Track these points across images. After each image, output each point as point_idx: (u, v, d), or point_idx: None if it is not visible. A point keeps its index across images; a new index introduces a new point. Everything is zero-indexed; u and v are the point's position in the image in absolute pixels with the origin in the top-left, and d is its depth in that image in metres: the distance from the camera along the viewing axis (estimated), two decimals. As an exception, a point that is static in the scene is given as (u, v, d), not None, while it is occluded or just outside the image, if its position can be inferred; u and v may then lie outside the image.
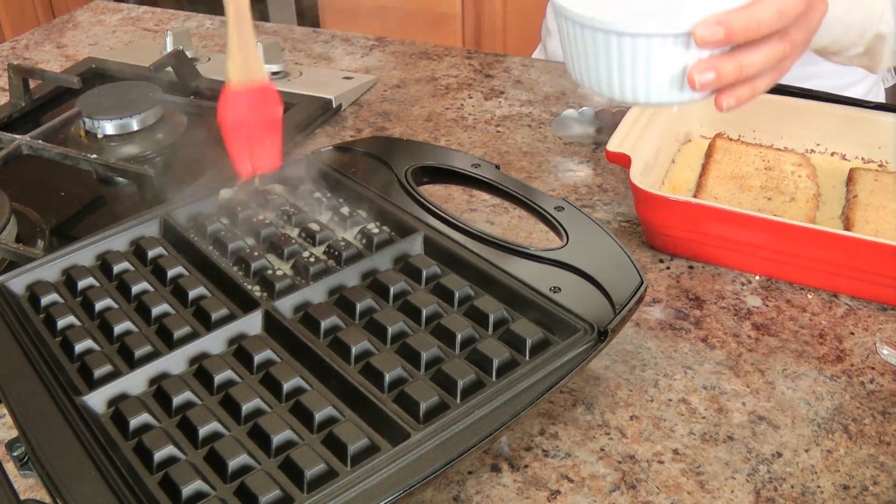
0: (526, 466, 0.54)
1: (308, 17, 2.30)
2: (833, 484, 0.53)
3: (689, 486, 0.53)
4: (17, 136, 0.81)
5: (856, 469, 0.53)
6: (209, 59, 1.06)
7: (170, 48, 1.01)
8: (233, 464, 0.47)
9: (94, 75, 1.04)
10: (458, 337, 0.54)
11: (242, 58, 0.62)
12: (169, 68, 0.97)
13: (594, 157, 0.85)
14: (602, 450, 0.55)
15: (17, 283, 0.62)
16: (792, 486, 0.52)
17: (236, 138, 0.62)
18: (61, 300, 0.60)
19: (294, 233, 0.66)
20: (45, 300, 0.60)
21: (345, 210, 0.67)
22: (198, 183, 0.78)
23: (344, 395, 0.51)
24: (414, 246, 0.63)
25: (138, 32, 1.19)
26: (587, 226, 0.63)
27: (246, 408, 0.50)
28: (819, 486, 0.52)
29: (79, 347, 0.56)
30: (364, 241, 0.64)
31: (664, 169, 0.80)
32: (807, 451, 0.55)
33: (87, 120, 0.88)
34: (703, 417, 0.57)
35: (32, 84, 0.98)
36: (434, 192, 0.72)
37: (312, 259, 0.61)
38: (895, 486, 0.52)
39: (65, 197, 0.83)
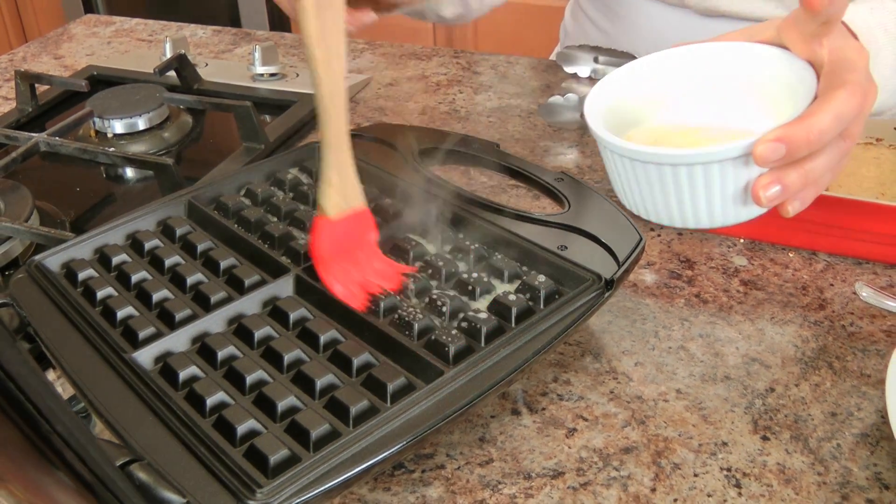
0: (543, 409, 0.59)
1: (279, 29, 2.35)
2: (822, 412, 0.58)
3: (693, 419, 0.58)
4: (34, 134, 0.85)
5: (841, 398, 0.59)
6: (206, 65, 1.10)
7: (169, 54, 1.05)
8: (282, 405, 0.51)
9: (96, 82, 1.08)
10: (478, 290, 0.59)
11: (341, 183, 0.57)
12: (171, 72, 1.01)
13: (582, 142, 0.90)
14: (612, 392, 0.60)
15: (53, 261, 0.65)
16: (786, 416, 0.58)
17: (336, 272, 0.58)
18: (97, 275, 0.64)
19: (313, 209, 0.70)
20: (82, 275, 0.64)
21: (359, 188, 0.71)
22: (213, 172, 0.82)
23: (377, 345, 0.55)
24: (428, 216, 0.67)
25: (133, 43, 1.23)
26: (586, 193, 0.68)
27: (288, 358, 0.54)
28: (810, 415, 0.58)
29: (120, 314, 0.59)
30: (380, 213, 0.68)
31: (649, 150, 0.85)
32: (797, 385, 0.60)
33: (96, 120, 0.91)
34: (701, 361, 0.62)
35: (38, 90, 1.02)
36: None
37: (334, 230, 0.66)
38: (877, 411, 0.58)
39: (80, 193, 0.87)
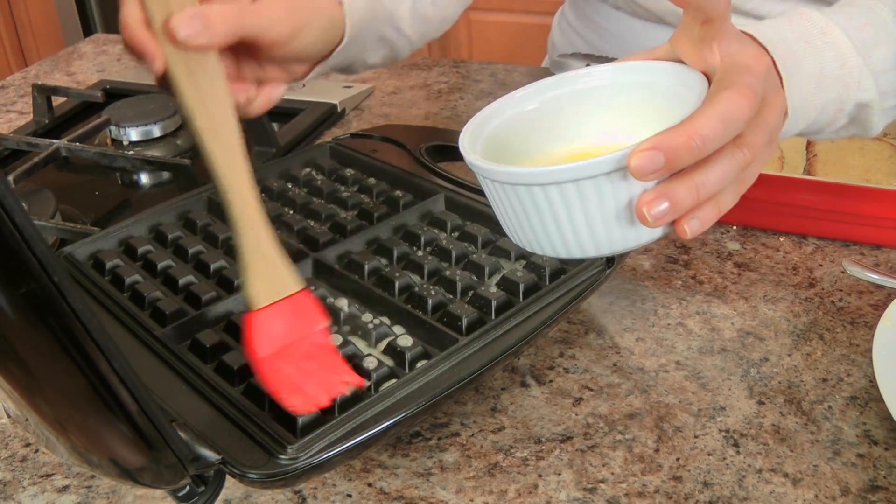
0: (551, 381, 0.62)
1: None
2: (813, 378, 0.61)
3: (692, 387, 0.61)
4: (54, 141, 0.88)
5: (832, 366, 0.62)
6: (215, 77, 1.14)
7: (180, 66, 1.09)
8: (306, 372, 0.54)
9: (109, 95, 1.11)
10: (487, 269, 0.62)
11: (265, 268, 0.49)
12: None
13: (580, 142, 0.94)
14: (615, 365, 0.63)
15: (81, 252, 0.68)
16: (779, 383, 0.61)
17: (281, 374, 0.48)
18: (124, 263, 0.67)
19: (327, 202, 0.73)
20: (109, 264, 0.67)
21: (371, 181, 0.75)
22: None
23: (394, 319, 0.59)
24: (437, 205, 0.71)
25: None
26: (586, 182, 0.72)
27: (310, 332, 0.58)
28: (802, 381, 0.61)
29: (148, 297, 0.62)
30: (391, 203, 0.72)
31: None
32: (789, 355, 0.63)
33: (112, 128, 0.95)
34: (699, 336, 0.66)
35: (54, 103, 1.06)
36: (444, 169, 0.81)
37: (348, 219, 0.69)
38: (865, 376, 0.61)
39: (98, 197, 0.90)
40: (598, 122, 0.51)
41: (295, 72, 0.64)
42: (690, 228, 0.45)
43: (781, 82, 0.53)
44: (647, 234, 0.45)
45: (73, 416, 0.41)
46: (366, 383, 0.51)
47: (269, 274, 0.49)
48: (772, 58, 0.53)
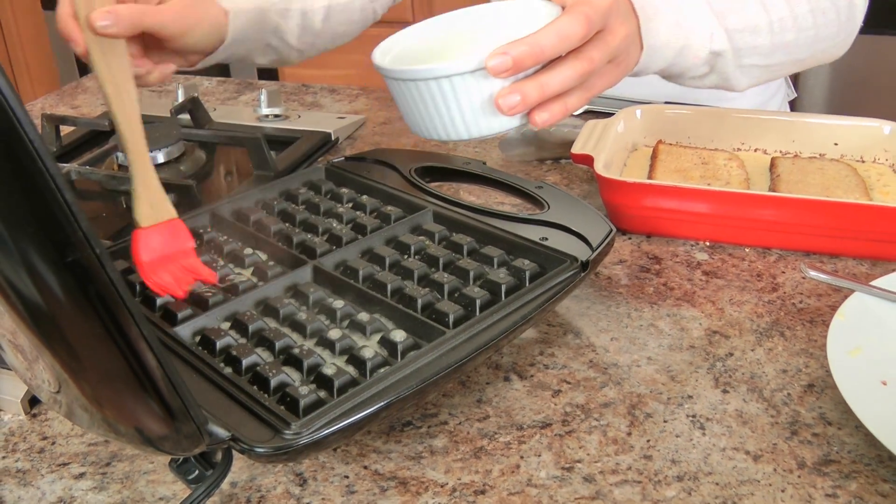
0: (532, 376, 0.67)
1: (267, 80, 2.48)
2: (774, 369, 0.67)
3: (662, 379, 0.66)
4: (65, 164, 0.94)
5: (791, 359, 0.68)
6: (215, 109, 1.20)
7: (182, 98, 1.15)
8: (308, 362, 0.59)
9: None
10: (472, 273, 0.68)
11: (148, 196, 0.66)
12: (185, 115, 1.10)
13: (557, 167, 1.00)
14: (591, 361, 0.69)
15: (94, 264, 0.73)
16: (743, 374, 0.66)
17: (156, 274, 0.65)
18: (134, 271, 0.72)
19: (324, 217, 0.79)
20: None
21: (364, 198, 0.81)
22: (231, 194, 0.91)
23: (387, 316, 0.64)
24: (425, 218, 0.76)
25: (144, 92, 1.33)
26: (563, 196, 0.78)
27: (310, 328, 0.63)
28: (764, 372, 0.66)
29: (159, 301, 0.67)
30: (383, 217, 0.77)
31: (618, 170, 0.95)
32: (752, 350, 0.69)
33: (119, 154, 1.01)
34: (669, 335, 0.71)
35: (61, 132, 1.11)
36: (433, 188, 0.86)
37: (343, 231, 0.75)
38: (822, 367, 0.66)
39: (105, 219, 0.96)
40: (488, 42, 0.60)
41: (191, 59, 0.83)
42: (541, 119, 0.59)
43: (638, 22, 0.66)
44: (507, 122, 0.58)
45: (109, 393, 0.46)
46: (217, 280, 0.68)
47: (153, 202, 0.66)
48: (632, 3, 0.66)
